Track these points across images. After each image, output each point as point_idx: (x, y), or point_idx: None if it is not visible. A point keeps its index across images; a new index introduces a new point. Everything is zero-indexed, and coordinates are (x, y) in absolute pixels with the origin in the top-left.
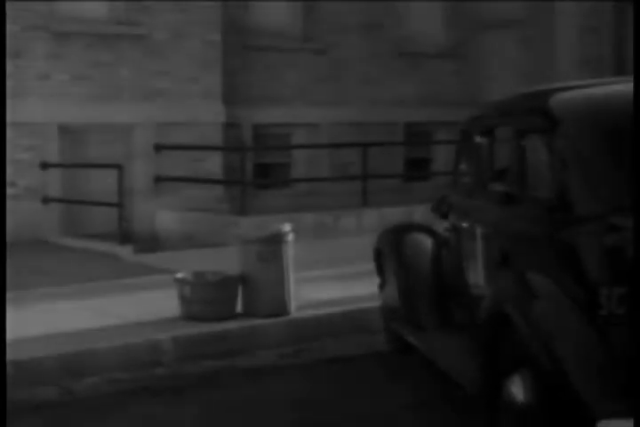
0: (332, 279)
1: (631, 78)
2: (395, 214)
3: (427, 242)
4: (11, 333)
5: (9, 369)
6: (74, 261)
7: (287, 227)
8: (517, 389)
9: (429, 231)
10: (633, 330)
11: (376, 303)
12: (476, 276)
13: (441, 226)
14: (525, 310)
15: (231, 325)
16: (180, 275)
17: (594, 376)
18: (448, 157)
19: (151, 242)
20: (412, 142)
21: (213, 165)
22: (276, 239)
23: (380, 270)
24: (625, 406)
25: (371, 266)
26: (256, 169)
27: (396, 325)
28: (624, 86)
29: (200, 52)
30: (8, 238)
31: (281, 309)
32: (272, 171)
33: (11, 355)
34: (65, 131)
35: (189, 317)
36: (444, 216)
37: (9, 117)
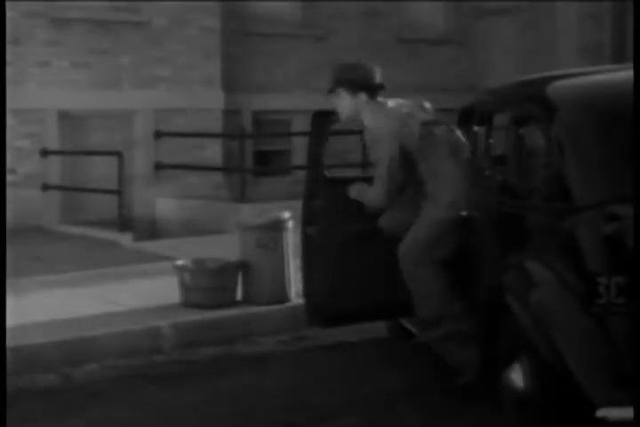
0: None
1: (630, 66)
2: None
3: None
4: (10, 320)
5: (9, 356)
6: (73, 248)
7: (287, 214)
8: (517, 377)
9: None
10: (634, 319)
11: None
12: (476, 265)
13: None
14: (525, 299)
15: (231, 312)
16: (179, 262)
17: (593, 365)
18: None
19: (151, 229)
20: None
21: (213, 152)
22: (276, 226)
23: None
24: (624, 394)
25: None
26: (256, 156)
27: None
28: (623, 74)
29: (200, 39)
30: (7, 226)
31: (281, 296)
32: (272, 158)
33: (10, 342)
34: (65, 118)
35: (189, 304)
36: None
37: (9, 104)
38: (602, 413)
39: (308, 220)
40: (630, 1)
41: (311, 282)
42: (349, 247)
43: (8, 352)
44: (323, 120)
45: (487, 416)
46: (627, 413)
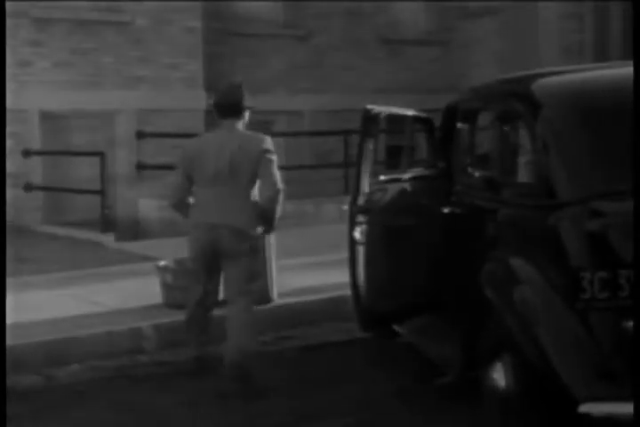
0: (314, 267)
1: (613, 64)
2: None
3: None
4: None
5: None
6: (56, 248)
7: None
8: (499, 374)
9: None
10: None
11: None
12: (459, 262)
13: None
14: (508, 295)
15: (213, 312)
16: (161, 262)
17: (575, 361)
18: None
19: (133, 229)
20: (393, 130)
21: None
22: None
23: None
24: (608, 389)
25: None
26: None
27: None
28: (606, 72)
29: (182, 39)
30: None
31: (263, 296)
32: None
33: None
34: (47, 118)
35: (171, 304)
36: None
37: None
38: (585, 408)
39: (353, 222)
40: (611, 1)
41: (357, 286)
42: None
43: None
44: (373, 118)
45: (471, 415)
46: (610, 408)
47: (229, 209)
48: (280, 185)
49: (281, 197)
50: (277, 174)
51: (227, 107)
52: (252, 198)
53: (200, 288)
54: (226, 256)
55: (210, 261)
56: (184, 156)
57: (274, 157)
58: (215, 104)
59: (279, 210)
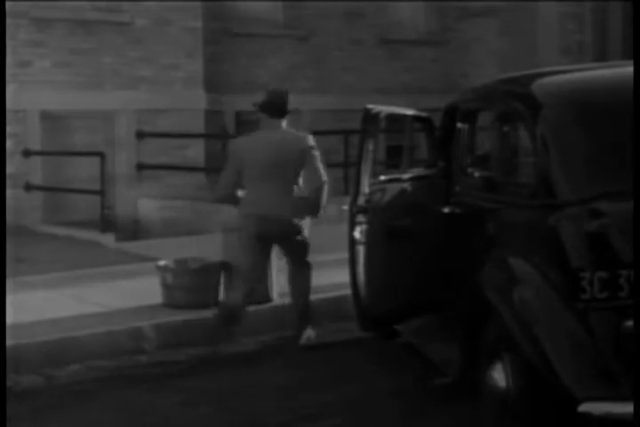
0: (314, 266)
1: (613, 64)
2: None
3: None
4: None
5: None
6: (56, 248)
7: None
8: (499, 374)
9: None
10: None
11: None
12: (459, 262)
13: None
14: (508, 295)
15: (213, 312)
16: (161, 262)
17: (575, 360)
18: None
19: (133, 229)
20: (393, 130)
21: (195, 152)
22: None
23: None
24: (607, 389)
25: None
26: None
27: None
28: (606, 72)
29: (182, 39)
30: None
31: (263, 296)
32: None
33: None
34: (47, 118)
35: (171, 304)
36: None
37: None
38: (584, 408)
39: (353, 222)
40: (611, 1)
41: (357, 286)
42: (389, 247)
43: None
44: (373, 117)
45: (470, 415)
46: (610, 408)
47: (277, 201)
48: (325, 177)
49: (326, 188)
50: (322, 168)
51: (275, 108)
52: (296, 191)
53: (250, 282)
54: (277, 241)
55: (261, 249)
56: (234, 153)
57: (317, 153)
58: (264, 105)
59: (325, 199)
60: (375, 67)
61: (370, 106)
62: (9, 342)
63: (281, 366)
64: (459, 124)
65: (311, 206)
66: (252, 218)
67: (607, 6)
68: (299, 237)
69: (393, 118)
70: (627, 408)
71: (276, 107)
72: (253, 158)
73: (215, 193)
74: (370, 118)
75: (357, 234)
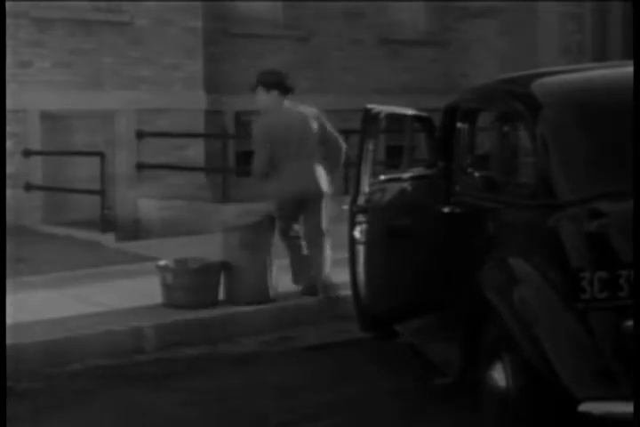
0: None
1: (613, 64)
2: None
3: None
4: None
5: None
6: (56, 248)
7: (270, 214)
8: (499, 374)
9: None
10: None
11: None
12: (459, 262)
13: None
14: (507, 295)
15: (213, 312)
16: (161, 262)
17: (575, 360)
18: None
19: (133, 229)
20: (393, 130)
21: (195, 152)
22: (259, 227)
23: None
24: (608, 389)
25: None
26: (238, 157)
27: None
28: (606, 72)
29: (182, 40)
30: None
31: (263, 296)
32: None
33: None
34: (47, 118)
35: (171, 304)
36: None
37: None
38: (584, 408)
39: (353, 222)
40: (611, 1)
41: (357, 286)
42: (389, 247)
43: None
44: (373, 117)
45: (470, 415)
46: (610, 407)
47: (306, 174)
48: (342, 142)
49: (344, 150)
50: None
51: (286, 86)
52: (317, 160)
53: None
54: (306, 209)
55: (294, 212)
56: (263, 134)
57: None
58: (276, 83)
59: (343, 159)
60: (375, 67)
61: (370, 106)
62: (9, 342)
63: (281, 366)
64: (459, 124)
65: (332, 169)
66: (287, 192)
67: (607, 6)
68: (320, 209)
69: (393, 118)
70: (627, 408)
71: (285, 85)
72: (284, 136)
73: (256, 171)
74: (370, 118)
75: (357, 234)
